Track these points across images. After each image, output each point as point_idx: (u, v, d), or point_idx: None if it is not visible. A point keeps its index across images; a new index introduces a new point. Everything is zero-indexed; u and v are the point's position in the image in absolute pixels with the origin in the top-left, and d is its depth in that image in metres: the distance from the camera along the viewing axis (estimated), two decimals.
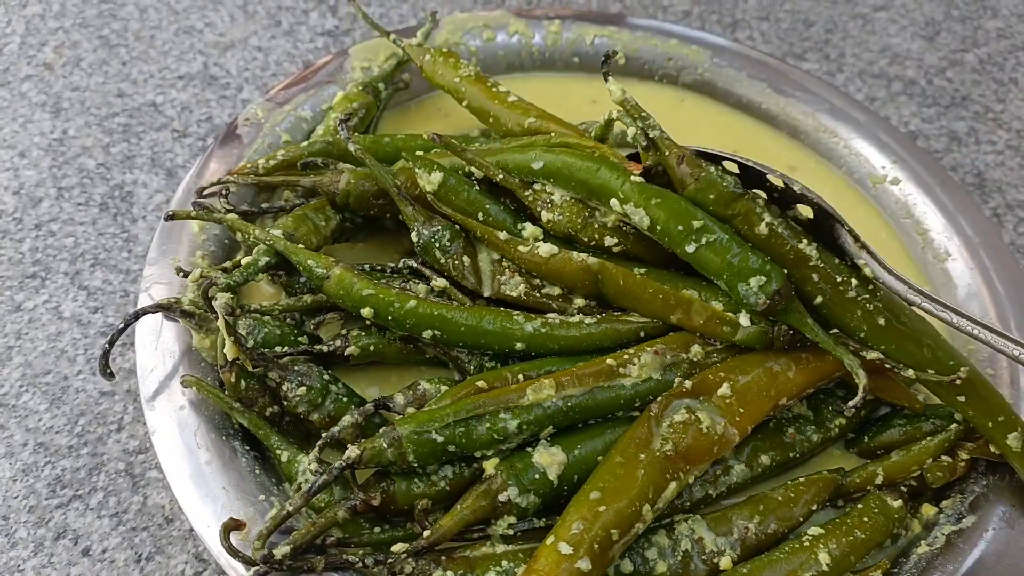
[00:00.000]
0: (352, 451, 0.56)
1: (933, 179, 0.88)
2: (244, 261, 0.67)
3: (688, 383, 0.63)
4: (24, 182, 0.94)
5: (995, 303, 0.78)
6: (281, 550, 0.55)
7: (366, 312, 0.64)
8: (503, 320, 0.66)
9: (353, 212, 0.75)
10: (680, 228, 0.62)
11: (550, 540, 0.53)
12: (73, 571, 0.67)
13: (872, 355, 0.63)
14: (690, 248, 0.63)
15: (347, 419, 0.60)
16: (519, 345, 0.65)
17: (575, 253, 0.68)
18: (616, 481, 0.55)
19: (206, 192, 0.76)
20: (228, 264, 0.69)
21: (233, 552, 0.55)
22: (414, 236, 0.70)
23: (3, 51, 1.08)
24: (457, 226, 0.71)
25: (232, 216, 0.70)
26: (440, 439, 0.57)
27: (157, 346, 0.66)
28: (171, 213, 0.68)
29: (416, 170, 0.71)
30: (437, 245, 0.69)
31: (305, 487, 0.56)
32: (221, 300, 0.61)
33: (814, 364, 0.66)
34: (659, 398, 0.62)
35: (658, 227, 0.63)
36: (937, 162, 0.94)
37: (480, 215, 0.71)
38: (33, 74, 1.05)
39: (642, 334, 0.67)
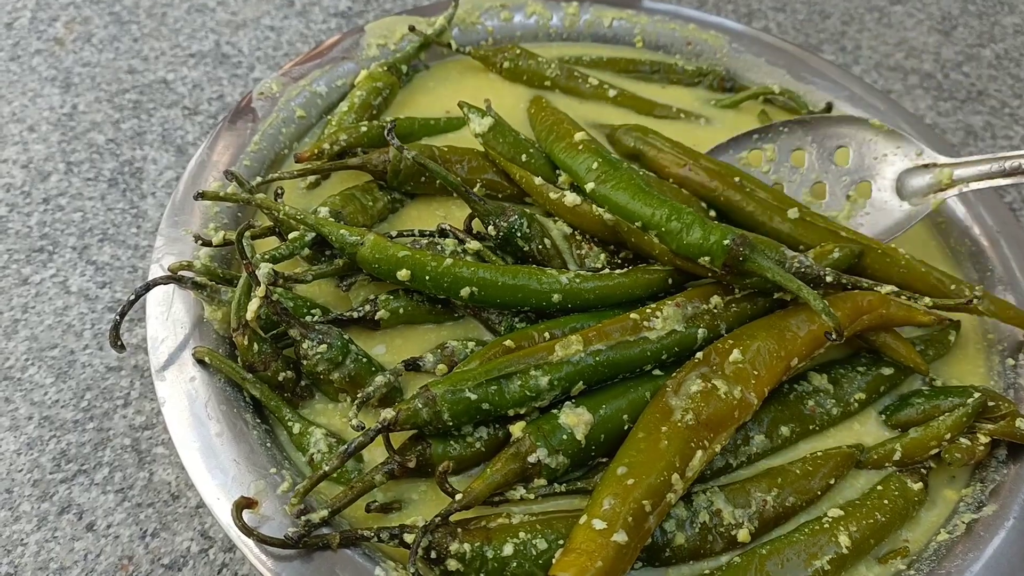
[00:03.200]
0: (388, 413, 0.56)
1: None
2: (291, 236, 0.68)
3: (699, 355, 0.63)
4: (33, 156, 0.93)
5: (1014, 291, 0.77)
6: (319, 513, 0.54)
7: (403, 275, 0.64)
8: (539, 274, 0.66)
9: (400, 187, 0.75)
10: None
11: (583, 520, 0.52)
12: (77, 546, 0.66)
13: (887, 288, 0.63)
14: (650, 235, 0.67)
15: (380, 379, 0.60)
16: (556, 297, 0.66)
17: (594, 206, 0.71)
18: (641, 455, 0.55)
19: (259, 185, 0.74)
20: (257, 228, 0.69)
21: (247, 531, 0.54)
22: (492, 231, 0.70)
23: (14, 25, 1.07)
24: (527, 209, 0.73)
25: (261, 196, 0.69)
26: (474, 397, 0.57)
27: (168, 317, 0.65)
28: (200, 193, 0.66)
29: (469, 115, 0.77)
30: (519, 235, 0.70)
31: (341, 449, 0.55)
32: (264, 270, 0.61)
33: (821, 321, 0.65)
34: (673, 374, 0.61)
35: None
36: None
37: (523, 156, 0.77)
38: (43, 49, 1.04)
39: (670, 281, 0.69)
